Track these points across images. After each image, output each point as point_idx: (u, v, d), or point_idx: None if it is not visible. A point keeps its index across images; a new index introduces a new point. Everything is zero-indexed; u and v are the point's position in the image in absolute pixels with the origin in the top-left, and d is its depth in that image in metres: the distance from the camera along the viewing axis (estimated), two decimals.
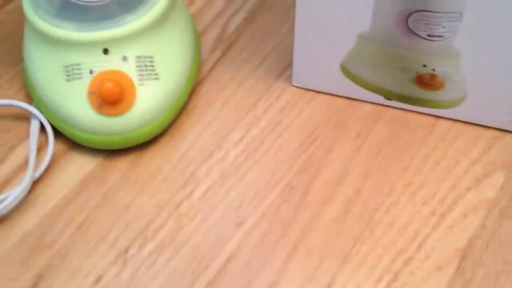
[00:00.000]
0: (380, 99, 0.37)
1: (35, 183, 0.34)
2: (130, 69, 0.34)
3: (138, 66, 0.34)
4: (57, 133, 0.36)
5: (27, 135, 0.36)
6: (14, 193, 0.33)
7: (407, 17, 0.32)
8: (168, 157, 0.36)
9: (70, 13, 0.34)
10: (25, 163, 0.35)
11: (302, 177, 0.35)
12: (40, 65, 0.35)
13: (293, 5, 0.44)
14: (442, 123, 0.37)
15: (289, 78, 0.40)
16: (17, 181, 0.35)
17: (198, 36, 0.41)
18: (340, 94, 0.38)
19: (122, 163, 0.35)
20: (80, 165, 0.35)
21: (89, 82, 0.33)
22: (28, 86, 0.37)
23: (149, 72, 0.34)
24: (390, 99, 0.37)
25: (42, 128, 0.36)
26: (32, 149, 0.35)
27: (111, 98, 0.33)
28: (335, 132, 0.37)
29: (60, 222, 0.33)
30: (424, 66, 0.34)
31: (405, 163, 0.36)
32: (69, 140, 0.36)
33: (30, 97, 0.37)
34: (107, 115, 0.34)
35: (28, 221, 0.33)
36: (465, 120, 0.37)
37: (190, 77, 0.37)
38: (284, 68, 0.40)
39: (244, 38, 0.42)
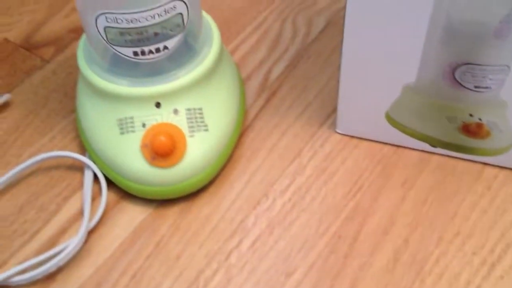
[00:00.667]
0: (426, 146, 0.38)
1: (90, 233, 0.35)
2: (181, 122, 0.35)
3: (188, 118, 0.35)
4: (110, 183, 0.37)
5: (80, 185, 0.37)
6: (71, 244, 0.34)
7: (454, 69, 0.32)
8: (217, 207, 0.37)
9: (123, 68, 0.35)
10: (79, 213, 0.36)
11: (349, 226, 0.35)
12: (94, 118, 0.36)
13: (333, 52, 0.45)
14: (489, 170, 0.37)
15: (333, 125, 0.40)
16: (72, 231, 0.36)
17: (243, 85, 0.42)
18: (384, 141, 0.39)
19: (173, 213, 0.36)
20: (133, 215, 0.36)
21: (142, 135, 0.35)
22: (82, 137, 0.38)
23: (198, 123, 0.35)
24: (435, 147, 0.37)
25: (95, 178, 0.37)
26: (86, 200, 0.36)
27: (163, 151, 0.34)
28: (380, 180, 0.37)
29: (115, 272, 0.34)
30: (471, 115, 0.34)
31: (452, 212, 0.36)
32: (121, 190, 0.37)
33: (83, 148, 0.39)
34: (159, 166, 0.34)
35: (83, 272, 0.34)
36: None
37: (237, 126, 0.38)
38: (327, 115, 0.41)
39: (287, 85, 0.43)
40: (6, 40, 0.47)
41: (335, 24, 0.47)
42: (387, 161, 0.38)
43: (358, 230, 0.35)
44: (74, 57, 0.45)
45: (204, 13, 0.39)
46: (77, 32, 0.47)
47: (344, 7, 0.32)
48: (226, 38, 0.46)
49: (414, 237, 0.35)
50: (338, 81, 0.37)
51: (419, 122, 0.36)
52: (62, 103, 0.42)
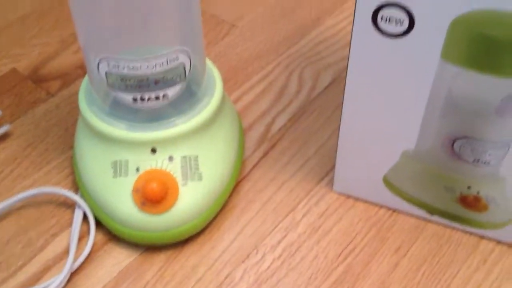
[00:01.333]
0: (423, 213, 0.37)
1: (74, 273, 0.35)
2: (175, 169, 0.35)
3: (183, 166, 0.35)
4: (99, 223, 0.36)
5: (69, 223, 0.37)
6: (54, 282, 0.33)
7: (453, 141, 0.32)
8: (204, 257, 0.36)
9: (122, 112, 0.35)
10: (66, 251, 0.36)
11: None
12: (89, 158, 0.36)
13: (337, 108, 0.45)
14: (486, 243, 0.36)
15: (330, 183, 0.40)
16: (57, 269, 0.35)
17: (243, 134, 0.42)
18: (381, 203, 0.38)
19: (159, 259, 0.36)
20: (119, 258, 0.36)
21: (134, 180, 0.34)
22: (76, 175, 0.38)
23: (193, 172, 0.35)
24: (432, 214, 0.37)
25: (85, 217, 0.37)
26: (73, 239, 0.35)
27: (154, 198, 0.33)
28: (374, 244, 0.37)
29: None
30: (469, 188, 0.34)
31: (445, 284, 0.35)
32: (110, 232, 0.36)
33: (76, 185, 0.39)
34: (149, 213, 0.34)
35: None
36: (509, 242, 0.36)
37: (232, 177, 0.38)
38: (325, 172, 0.41)
39: (287, 139, 0.43)
40: (14, 71, 0.47)
41: (341, 81, 0.47)
42: (382, 224, 0.38)
43: None
44: (78, 93, 0.45)
45: (208, 61, 0.39)
46: (84, 69, 0.47)
47: (347, 61, 0.32)
48: (231, 86, 0.46)
49: None
50: (338, 139, 0.36)
51: (417, 189, 0.36)
52: (62, 138, 0.42)
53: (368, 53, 0.31)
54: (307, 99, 0.46)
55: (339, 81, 0.47)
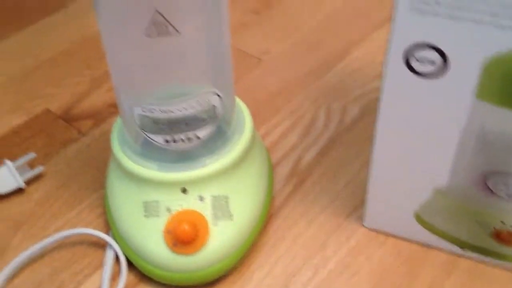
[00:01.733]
0: (455, 248, 0.36)
1: None
2: (205, 209, 0.35)
3: (213, 206, 0.35)
4: (131, 263, 0.37)
5: (101, 263, 0.37)
6: None
7: (486, 177, 0.31)
8: None
9: (153, 152, 0.36)
10: None
11: None
12: (120, 198, 0.37)
13: (366, 142, 0.45)
14: None
15: (360, 218, 0.39)
16: None
17: (272, 170, 0.42)
18: (413, 239, 0.38)
19: None
20: None
21: (166, 220, 0.35)
22: (107, 215, 0.38)
23: (223, 212, 0.35)
24: (465, 249, 0.36)
25: (117, 257, 0.37)
26: (105, 281, 0.36)
27: (186, 239, 0.34)
28: (405, 281, 0.36)
29: None
30: (503, 223, 0.33)
31: None
32: (141, 272, 0.37)
33: (108, 224, 0.39)
34: (180, 253, 0.34)
35: None
36: None
37: (262, 215, 0.38)
38: (355, 206, 0.40)
39: (317, 173, 0.43)
40: (47, 111, 0.49)
41: (369, 113, 0.47)
42: (414, 261, 0.37)
43: None
44: (109, 132, 0.46)
45: (236, 99, 0.39)
46: (115, 107, 0.48)
47: (379, 99, 0.32)
48: (258, 121, 0.47)
49: None
50: (368, 175, 0.36)
51: (449, 224, 0.35)
52: (94, 177, 0.43)
53: (401, 92, 0.31)
54: (336, 133, 0.46)
55: (367, 113, 0.47)
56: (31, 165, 0.43)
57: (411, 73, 0.30)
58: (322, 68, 0.52)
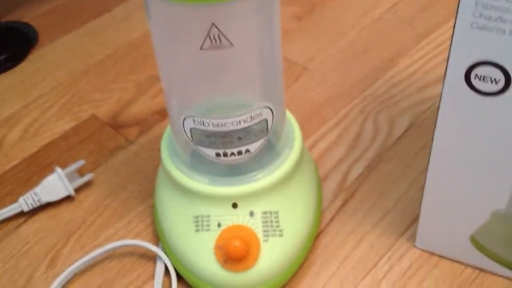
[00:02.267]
0: None
1: None
2: (256, 225, 0.35)
3: (264, 222, 0.35)
4: (181, 277, 0.37)
5: (151, 275, 0.37)
6: None
7: None
8: None
9: (204, 165, 0.35)
10: None
11: None
12: (171, 211, 0.37)
13: (415, 156, 0.44)
14: None
15: (412, 237, 0.39)
16: None
17: (320, 185, 0.41)
18: (467, 263, 0.37)
19: None
20: None
21: (216, 235, 0.34)
22: (157, 227, 0.38)
23: (274, 227, 0.35)
24: None
25: (167, 269, 0.37)
26: None
27: (237, 256, 0.33)
28: None
29: None
30: None
31: None
32: (191, 286, 0.36)
33: (157, 235, 0.39)
34: (231, 270, 0.34)
35: None
36: None
37: (312, 231, 0.37)
38: (406, 225, 0.39)
39: (365, 188, 0.42)
40: (94, 117, 0.49)
41: (419, 126, 0.46)
42: (469, 285, 0.36)
43: None
44: (156, 139, 0.46)
45: (286, 112, 0.39)
46: (161, 114, 0.48)
47: (429, 109, 0.31)
48: (305, 132, 0.46)
49: None
50: (420, 191, 0.35)
51: (507, 249, 0.34)
52: (142, 186, 0.43)
53: (460, 110, 0.30)
54: (384, 146, 0.45)
55: (416, 126, 0.46)
56: (80, 172, 0.43)
57: (471, 91, 0.29)
58: (369, 77, 0.51)
